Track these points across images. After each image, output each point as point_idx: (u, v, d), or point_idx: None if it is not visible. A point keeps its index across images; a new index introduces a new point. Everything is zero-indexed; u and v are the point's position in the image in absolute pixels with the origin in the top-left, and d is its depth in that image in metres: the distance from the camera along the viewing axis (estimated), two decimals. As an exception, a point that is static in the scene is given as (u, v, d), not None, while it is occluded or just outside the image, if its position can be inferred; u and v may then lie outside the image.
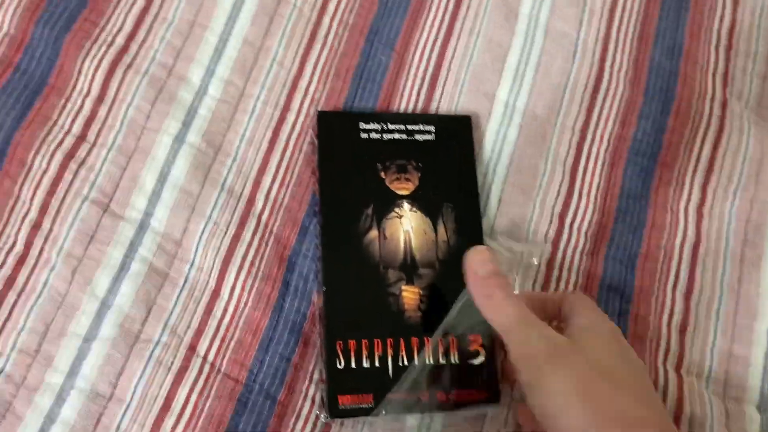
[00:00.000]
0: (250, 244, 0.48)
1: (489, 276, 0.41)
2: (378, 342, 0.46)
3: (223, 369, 0.45)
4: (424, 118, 0.53)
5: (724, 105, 0.57)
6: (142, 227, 0.47)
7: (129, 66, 0.51)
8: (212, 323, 0.46)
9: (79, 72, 0.50)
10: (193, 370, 0.45)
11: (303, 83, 0.53)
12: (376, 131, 0.51)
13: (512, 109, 0.55)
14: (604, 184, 0.54)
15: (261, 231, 0.49)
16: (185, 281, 0.47)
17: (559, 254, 0.53)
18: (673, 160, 0.56)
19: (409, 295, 0.47)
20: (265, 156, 0.51)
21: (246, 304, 0.47)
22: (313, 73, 0.54)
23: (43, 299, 0.45)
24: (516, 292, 0.43)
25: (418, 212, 0.49)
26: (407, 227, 0.49)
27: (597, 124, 0.56)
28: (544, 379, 0.37)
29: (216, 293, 0.47)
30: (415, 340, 0.46)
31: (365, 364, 0.45)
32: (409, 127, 0.52)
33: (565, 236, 0.53)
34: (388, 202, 0.49)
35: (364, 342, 0.45)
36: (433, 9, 0.57)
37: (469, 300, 0.44)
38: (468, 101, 0.55)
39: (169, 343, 0.45)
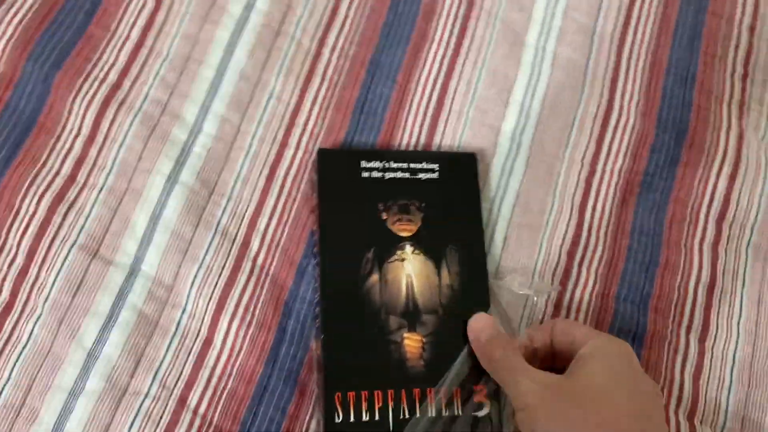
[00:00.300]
0: (244, 289, 0.47)
1: (490, 340, 0.44)
2: (378, 393, 0.44)
3: (214, 422, 0.44)
4: (428, 155, 0.51)
5: (740, 137, 0.55)
6: (133, 272, 0.46)
7: (121, 103, 0.49)
8: (204, 374, 0.45)
9: (70, 111, 0.49)
10: (183, 425, 0.43)
11: (301, 118, 0.52)
12: (377, 170, 0.49)
13: (518, 143, 0.53)
14: (615, 221, 0.52)
15: (256, 274, 0.47)
16: (176, 329, 0.45)
17: (567, 295, 0.50)
18: (687, 196, 0.53)
19: (412, 343, 0.45)
20: (261, 196, 0.49)
21: (239, 352, 0.45)
22: (312, 108, 0.52)
23: (28, 351, 0.43)
24: (522, 334, 0.45)
25: (421, 255, 0.48)
26: (409, 271, 0.47)
27: (607, 158, 0.54)
28: (535, 420, 0.39)
29: (208, 342, 0.45)
30: (417, 391, 0.44)
31: (365, 417, 0.43)
32: (412, 165, 0.50)
33: (573, 276, 0.51)
34: (390, 244, 0.47)
35: (363, 394, 0.43)
36: (436, 39, 0.55)
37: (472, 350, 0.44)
38: (472, 135, 0.53)
39: (158, 395, 0.43)
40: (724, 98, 0.56)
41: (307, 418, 0.45)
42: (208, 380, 0.44)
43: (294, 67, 0.53)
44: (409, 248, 0.48)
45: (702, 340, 0.50)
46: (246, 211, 0.49)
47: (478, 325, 0.45)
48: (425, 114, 0.53)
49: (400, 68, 0.54)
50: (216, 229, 0.48)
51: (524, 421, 0.39)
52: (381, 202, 0.48)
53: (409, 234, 0.48)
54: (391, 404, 0.44)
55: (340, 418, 0.43)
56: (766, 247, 0.52)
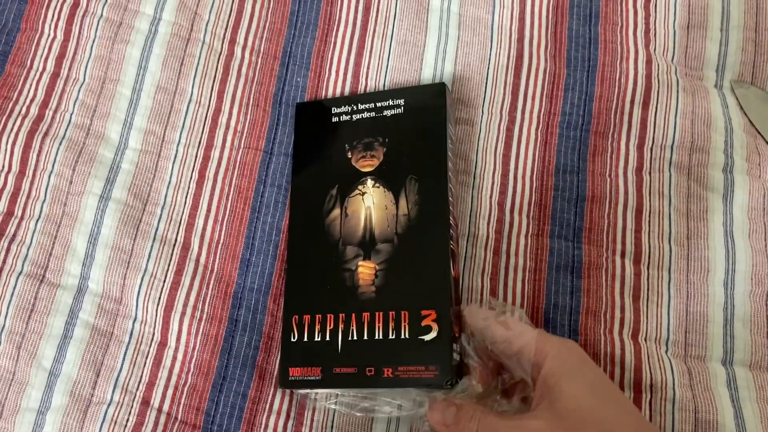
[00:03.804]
0: (190, 289, 0.49)
1: (457, 419, 0.41)
2: (330, 317, 0.47)
3: (179, 417, 0.46)
4: (395, 92, 0.53)
5: (648, 62, 0.56)
6: (80, 291, 0.48)
7: (45, 134, 0.51)
8: (163, 374, 0.47)
9: (-3, 149, 0.51)
10: (149, 424, 0.46)
11: (223, 118, 0.54)
12: (346, 113, 0.52)
13: (437, 106, 0.55)
14: (539, 164, 0.54)
15: (200, 273, 0.49)
16: (130, 337, 0.48)
17: (504, 241, 0.52)
18: (606, 127, 0.55)
19: (365, 270, 0.48)
20: (194, 198, 0.51)
21: (194, 348, 0.47)
22: (232, 107, 0.54)
23: (-7, 379, 0.46)
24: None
25: (381, 188, 0.50)
26: (369, 204, 0.49)
27: (524, 104, 0.56)
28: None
29: (162, 343, 0.48)
30: (366, 315, 0.46)
31: (317, 338, 0.46)
32: (379, 104, 0.52)
33: (507, 223, 0.53)
34: (353, 180, 0.50)
35: (317, 317, 0.47)
36: (343, 20, 0.57)
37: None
38: (391, 106, 0.55)
39: (121, 401, 0.46)
40: (629, 27, 0.58)
41: (269, 399, 0.47)
42: (168, 379, 0.47)
43: (208, 70, 0.55)
44: (370, 182, 0.50)
45: (636, 262, 0.51)
46: (182, 215, 0.51)
47: (437, 415, 0.43)
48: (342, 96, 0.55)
49: (312, 55, 0.56)
50: (155, 237, 0.50)
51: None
52: (347, 143, 0.51)
53: (371, 169, 0.50)
54: (341, 327, 0.46)
55: (295, 338, 0.46)
56: (687, 162, 0.54)
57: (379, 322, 0.46)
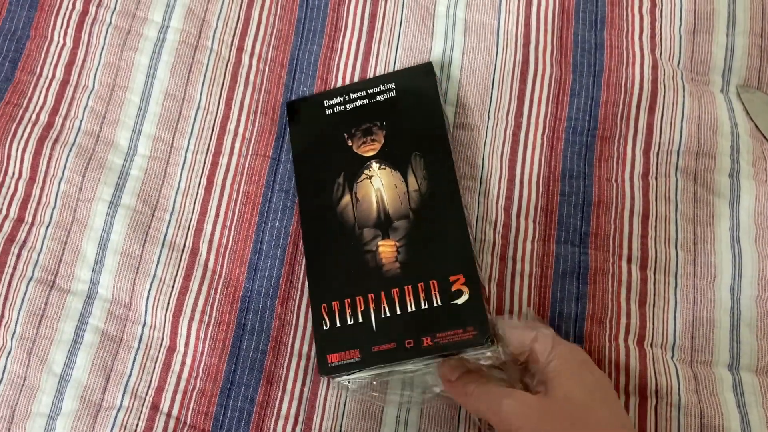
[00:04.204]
0: (198, 294, 0.49)
1: (460, 377, 0.44)
2: (360, 299, 0.47)
3: (188, 422, 0.47)
4: (384, 78, 0.54)
5: (654, 67, 0.56)
6: (90, 297, 0.49)
7: (55, 141, 0.52)
8: (172, 378, 0.47)
9: (8, 156, 0.51)
10: (158, 428, 0.46)
11: (231, 125, 0.54)
12: (339, 104, 0.53)
13: (443, 111, 0.55)
14: (545, 169, 0.54)
15: (209, 278, 0.50)
16: (139, 342, 0.48)
17: (510, 247, 0.53)
18: (612, 132, 0.55)
19: (386, 249, 0.48)
20: (202, 204, 0.52)
21: (202, 353, 0.48)
22: (240, 114, 0.54)
23: (5, 384, 0.47)
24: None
25: (387, 168, 0.50)
26: (378, 186, 0.50)
27: (530, 109, 0.56)
28: None
29: (171, 348, 0.48)
30: (395, 291, 0.47)
31: (349, 321, 0.46)
32: (370, 90, 0.53)
33: (513, 228, 0.53)
34: (358, 166, 0.51)
35: (346, 301, 0.47)
36: (349, 27, 0.57)
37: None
38: (397, 112, 0.55)
39: (131, 406, 0.46)
40: (635, 32, 0.58)
41: (277, 403, 0.48)
42: (177, 384, 0.47)
43: (216, 77, 0.55)
44: (375, 165, 0.51)
45: (643, 267, 0.52)
46: (190, 221, 0.51)
47: (445, 369, 0.45)
48: (349, 102, 0.55)
49: (318, 62, 0.56)
50: (163, 243, 0.50)
51: None
52: (346, 131, 0.52)
53: (373, 153, 0.51)
54: (372, 306, 0.47)
55: (328, 326, 0.46)
56: (694, 167, 0.54)
57: (409, 295, 0.46)
